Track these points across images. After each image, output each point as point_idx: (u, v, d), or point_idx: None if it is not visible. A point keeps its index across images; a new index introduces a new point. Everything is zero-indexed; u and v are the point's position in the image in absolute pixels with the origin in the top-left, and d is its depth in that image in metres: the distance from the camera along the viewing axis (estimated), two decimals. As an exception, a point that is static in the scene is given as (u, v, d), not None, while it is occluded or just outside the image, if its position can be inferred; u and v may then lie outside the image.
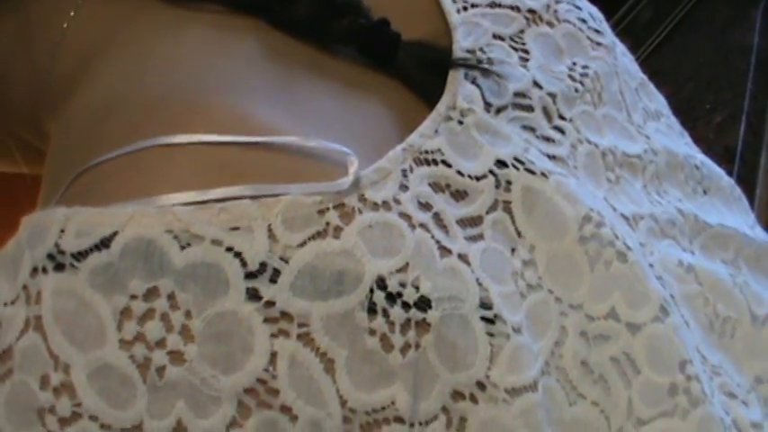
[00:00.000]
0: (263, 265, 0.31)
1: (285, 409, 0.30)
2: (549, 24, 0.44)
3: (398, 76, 0.40)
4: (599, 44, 0.47)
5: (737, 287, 0.43)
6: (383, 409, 0.31)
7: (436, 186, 0.37)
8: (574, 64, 0.44)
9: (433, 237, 0.35)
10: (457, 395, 0.33)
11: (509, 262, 0.37)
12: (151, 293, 0.29)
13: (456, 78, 0.40)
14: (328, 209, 0.32)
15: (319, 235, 0.32)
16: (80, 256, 0.30)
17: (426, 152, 0.37)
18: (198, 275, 0.30)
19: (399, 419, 0.31)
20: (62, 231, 0.30)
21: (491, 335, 0.34)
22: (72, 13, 0.40)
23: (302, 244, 0.32)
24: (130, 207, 0.31)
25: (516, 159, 0.39)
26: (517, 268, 0.37)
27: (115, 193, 0.32)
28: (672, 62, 1.50)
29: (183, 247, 0.30)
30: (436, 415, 0.32)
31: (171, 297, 0.30)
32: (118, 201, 0.31)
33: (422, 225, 0.35)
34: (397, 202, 0.35)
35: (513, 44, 0.42)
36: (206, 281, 0.30)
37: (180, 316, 0.29)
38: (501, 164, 0.38)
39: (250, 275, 0.30)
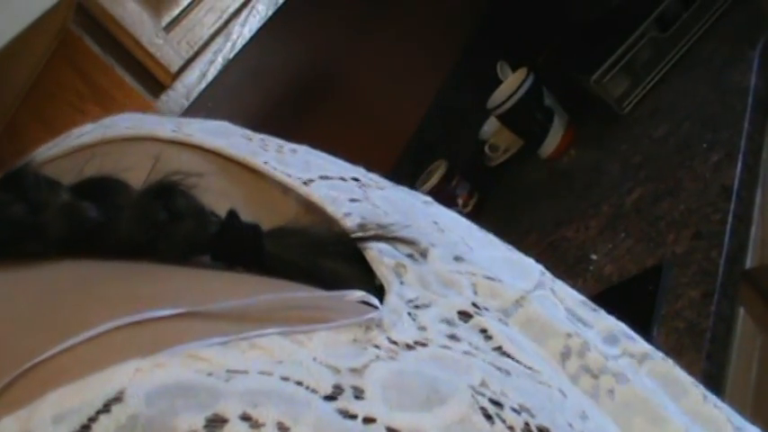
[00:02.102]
0: (337, 388, 0.24)
1: None
2: (379, 188, 0.41)
3: (273, 271, 0.32)
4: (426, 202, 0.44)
5: (710, 402, 0.39)
6: None
7: (447, 322, 0.32)
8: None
9: (484, 359, 0.31)
10: None
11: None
12: (215, 421, 0.22)
13: (366, 249, 0.34)
14: (367, 348, 0.28)
15: (378, 359, 0.27)
16: None
17: (410, 300, 0.32)
18: (271, 395, 0.23)
19: None
20: None
21: None
22: None
23: (365, 366, 0.26)
24: (129, 364, 0.23)
25: (474, 305, 0.34)
26: None
27: (86, 371, 0.23)
28: (670, 101, 1.52)
29: (227, 381, 0.23)
30: None
31: (246, 417, 0.22)
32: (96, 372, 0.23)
33: (466, 352, 0.31)
34: (426, 334, 0.30)
35: (370, 206, 0.38)
36: (283, 402, 0.23)
37: (272, 429, 0.22)
38: (465, 314, 0.33)
39: (328, 398, 0.24)
